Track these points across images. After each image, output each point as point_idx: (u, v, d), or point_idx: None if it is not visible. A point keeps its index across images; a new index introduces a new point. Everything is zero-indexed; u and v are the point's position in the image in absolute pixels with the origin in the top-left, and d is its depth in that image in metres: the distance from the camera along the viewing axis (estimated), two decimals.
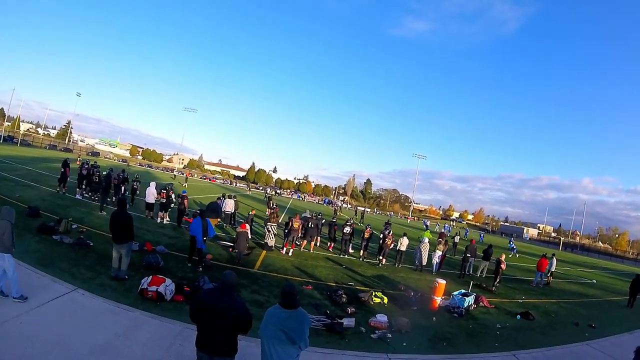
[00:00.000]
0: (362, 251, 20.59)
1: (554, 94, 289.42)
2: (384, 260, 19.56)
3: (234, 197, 25.02)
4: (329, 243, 21.61)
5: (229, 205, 22.32)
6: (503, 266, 18.50)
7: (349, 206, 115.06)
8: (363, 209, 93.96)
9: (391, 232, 20.98)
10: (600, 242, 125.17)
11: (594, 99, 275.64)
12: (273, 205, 26.26)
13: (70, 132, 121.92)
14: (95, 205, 19.51)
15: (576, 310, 16.59)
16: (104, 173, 21.65)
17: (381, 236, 20.15)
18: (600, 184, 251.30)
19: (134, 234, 10.52)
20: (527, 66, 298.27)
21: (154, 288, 8.79)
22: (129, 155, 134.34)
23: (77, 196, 20.62)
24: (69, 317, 6.82)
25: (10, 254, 7.15)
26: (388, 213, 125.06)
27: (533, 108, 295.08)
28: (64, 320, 6.66)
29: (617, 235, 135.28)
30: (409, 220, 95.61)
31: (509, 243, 42.87)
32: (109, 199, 19.98)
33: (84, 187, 21.84)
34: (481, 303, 14.27)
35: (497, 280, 18.27)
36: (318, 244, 20.93)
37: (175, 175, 78.54)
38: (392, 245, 19.77)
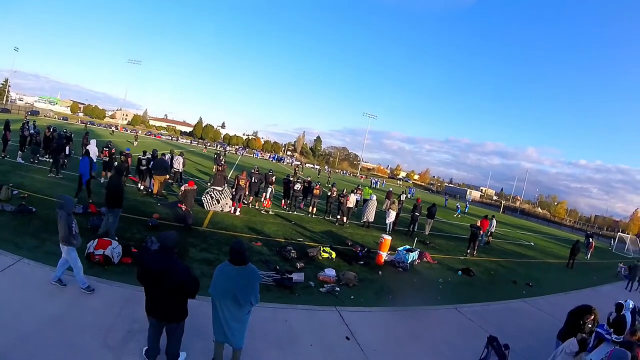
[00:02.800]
0: (310, 207, 21.02)
1: (506, 62, 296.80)
2: (346, 218, 19.97)
3: (182, 154, 24.61)
4: (282, 200, 21.94)
5: (178, 163, 22.04)
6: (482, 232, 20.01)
7: (299, 163, 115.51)
8: (319, 167, 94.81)
9: (345, 190, 21.54)
10: (539, 208, 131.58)
11: (546, 71, 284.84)
12: (222, 162, 25.98)
13: (8, 91, 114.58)
14: (36, 168, 18.77)
15: (514, 269, 17.69)
16: (56, 134, 20.95)
17: (335, 195, 20.55)
18: (543, 154, 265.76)
19: (122, 201, 10.85)
20: (482, 31, 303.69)
21: (100, 251, 8.65)
22: (69, 112, 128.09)
23: (19, 159, 19.69)
24: (16, 290, 6.65)
25: (70, 246, 6.83)
26: (337, 171, 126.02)
27: (485, 75, 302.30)
28: (11, 293, 6.50)
29: (556, 203, 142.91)
30: (362, 179, 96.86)
31: (457, 207, 44.54)
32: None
33: (25, 150, 20.89)
34: (425, 259, 14.91)
35: (473, 245, 18.70)
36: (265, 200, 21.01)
37: (113, 131, 76.17)
38: (348, 204, 20.04)
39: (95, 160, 18.01)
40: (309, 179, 23.19)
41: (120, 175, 11.45)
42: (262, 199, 20.51)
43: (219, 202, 16.93)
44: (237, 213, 17.17)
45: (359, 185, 28.59)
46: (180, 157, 22.78)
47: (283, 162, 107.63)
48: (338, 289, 9.95)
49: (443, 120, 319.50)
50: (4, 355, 5.04)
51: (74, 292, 6.95)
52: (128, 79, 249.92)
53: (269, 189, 20.34)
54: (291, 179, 22.11)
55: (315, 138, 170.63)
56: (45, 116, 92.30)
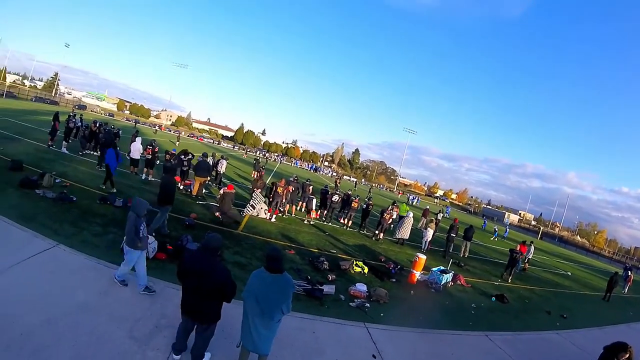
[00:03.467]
0: (346, 220, 20.74)
1: (548, 85, 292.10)
2: (382, 235, 19.61)
3: (226, 158, 24.98)
4: (320, 210, 21.61)
5: (221, 166, 22.73)
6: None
7: (335, 174, 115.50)
8: (356, 180, 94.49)
9: (390, 207, 21.06)
10: (578, 236, 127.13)
11: (589, 95, 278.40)
12: (261, 168, 26.17)
13: (57, 85, 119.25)
14: (80, 159, 19.33)
15: (549, 298, 16.95)
16: (103, 129, 21.62)
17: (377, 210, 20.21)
18: (584, 179, 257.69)
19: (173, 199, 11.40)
20: (527, 54, 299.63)
21: None
22: (116, 109, 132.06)
23: (63, 150, 20.30)
24: (49, 274, 6.76)
25: (137, 250, 6.88)
26: (374, 184, 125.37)
27: (527, 95, 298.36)
28: (44, 277, 6.61)
29: (595, 232, 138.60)
30: (399, 195, 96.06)
31: (494, 230, 43.56)
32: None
33: (70, 141, 21.57)
34: (458, 281, 14.50)
35: (511, 270, 18.56)
36: (302, 209, 21.08)
37: (156, 131, 77.99)
38: (391, 220, 19.78)
39: (139, 157, 18.57)
40: (349, 192, 23.03)
41: (173, 174, 11.98)
42: (298, 208, 20.38)
43: (254, 208, 16.91)
44: (273, 220, 17.14)
45: (394, 202, 28.11)
46: (224, 160, 23.41)
47: (320, 172, 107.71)
48: (368, 305, 9.73)
49: (483, 137, 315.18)
50: (31, 334, 5.10)
51: (106, 281, 7.02)
52: (174, 81, 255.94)
53: (313, 200, 20.14)
54: (329, 190, 21.94)
55: (354, 150, 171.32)
56: (92, 111, 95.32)
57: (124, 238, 6.98)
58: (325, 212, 21.16)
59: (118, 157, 15.23)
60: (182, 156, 18.96)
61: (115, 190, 14.32)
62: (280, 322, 5.11)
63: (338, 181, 44.46)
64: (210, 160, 21.61)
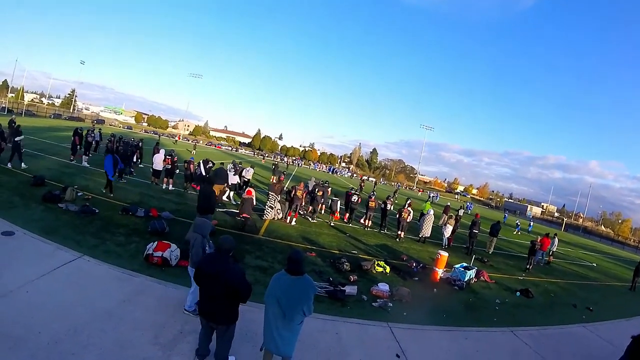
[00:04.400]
0: (366, 220, 20.64)
1: (566, 74, 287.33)
2: (403, 234, 19.52)
3: (253, 166, 25.26)
4: (345, 214, 21.41)
5: (248, 173, 23.15)
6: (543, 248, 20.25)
7: (355, 175, 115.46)
8: (374, 179, 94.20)
9: (407, 205, 20.82)
10: (602, 227, 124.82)
11: (608, 82, 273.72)
12: (281, 173, 26.21)
13: (75, 101, 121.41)
14: (101, 172, 19.58)
15: (575, 291, 16.69)
16: (124, 141, 22.04)
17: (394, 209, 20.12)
18: (607, 168, 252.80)
19: (212, 208, 11.58)
20: (542, 43, 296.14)
21: (159, 253, 8.87)
22: (134, 122, 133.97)
23: (84, 163, 20.66)
24: (74, 284, 6.89)
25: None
26: (394, 183, 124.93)
27: (545, 86, 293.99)
28: (69, 287, 6.73)
29: (620, 221, 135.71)
30: (420, 192, 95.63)
31: (517, 224, 43.11)
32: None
33: (90, 154, 21.94)
34: (482, 277, 14.37)
35: (531, 260, 19.09)
36: (322, 211, 21.08)
37: (176, 141, 78.83)
38: (409, 218, 19.79)
39: (160, 169, 18.89)
40: (373, 193, 22.99)
41: (212, 184, 12.26)
42: (321, 210, 20.39)
43: (272, 208, 16.94)
44: (293, 223, 17.19)
45: (408, 199, 27.72)
46: (251, 168, 23.88)
47: (338, 173, 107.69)
48: (391, 305, 9.69)
49: (502, 130, 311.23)
50: (57, 343, 5.19)
51: (129, 290, 7.11)
52: (190, 91, 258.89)
53: (338, 202, 20.05)
54: (354, 192, 21.86)
55: (371, 150, 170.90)
56: (110, 125, 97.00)
57: (189, 261, 6.98)
58: (347, 213, 21.13)
59: (118, 164, 15.82)
60: (204, 165, 19.27)
61: (112, 195, 14.96)
62: (302, 324, 5.12)
63: (362, 183, 44.11)
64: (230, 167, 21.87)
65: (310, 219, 19.24)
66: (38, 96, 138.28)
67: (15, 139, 16.42)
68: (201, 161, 21.03)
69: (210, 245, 6.87)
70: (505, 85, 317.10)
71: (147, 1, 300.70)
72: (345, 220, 20.33)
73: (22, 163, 16.55)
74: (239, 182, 21.72)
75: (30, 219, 10.08)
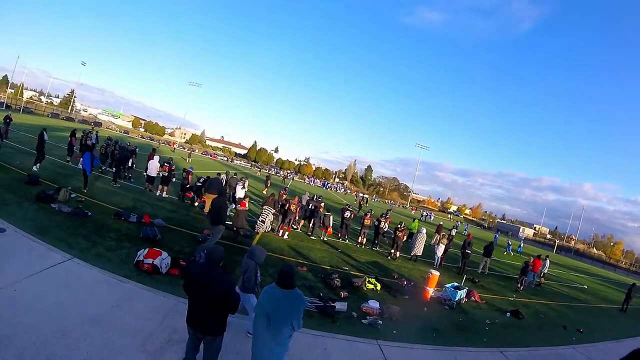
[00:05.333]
0: (360, 237, 20.58)
1: (563, 97, 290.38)
2: (397, 253, 19.41)
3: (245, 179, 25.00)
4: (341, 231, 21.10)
5: (245, 185, 22.69)
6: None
7: (349, 191, 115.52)
8: (367, 197, 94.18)
9: (403, 224, 20.58)
10: (594, 249, 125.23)
11: (603, 106, 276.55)
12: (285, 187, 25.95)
13: (74, 102, 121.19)
14: (96, 175, 19.59)
15: (565, 313, 16.70)
16: (120, 145, 22.00)
17: (388, 228, 20.14)
18: (600, 190, 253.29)
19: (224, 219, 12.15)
20: (537, 66, 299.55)
21: (149, 260, 8.82)
22: (131, 126, 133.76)
23: (80, 165, 20.58)
24: (63, 286, 6.84)
25: (250, 294, 6.91)
26: (387, 201, 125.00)
27: (540, 109, 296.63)
28: (58, 289, 6.68)
29: (612, 244, 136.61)
30: (413, 211, 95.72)
31: (507, 244, 43.27)
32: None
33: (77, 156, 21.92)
34: (472, 297, 14.35)
35: (522, 280, 19.25)
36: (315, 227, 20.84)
37: (175, 149, 78.68)
38: (405, 237, 19.78)
39: (155, 175, 18.93)
40: (370, 211, 22.90)
41: (223, 196, 12.86)
42: (311, 225, 20.26)
43: (264, 223, 16.86)
44: (285, 237, 17.12)
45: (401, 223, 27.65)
46: (245, 180, 23.70)
47: (332, 189, 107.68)
48: (381, 322, 9.64)
49: (496, 152, 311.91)
50: (44, 345, 5.15)
51: (118, 295, 7.06)
52: (188, 99, 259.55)
53: (331, 217, 19.61)
54: (347, 207, 21.63)
55: (366, 167, 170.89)
56: (107, 128, 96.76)
57: (242, 286, 6.95)
58: (341, 229, 21.01)
59: (94, 161, 16.29)
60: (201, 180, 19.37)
61: (86, 190, 15.33)
62: (291, 338, 5.09)
63: (361, 201, 42.72)
64: (224, 177, 21.79)
65: (311, 236, 19.16)
66: (37, 94, 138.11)
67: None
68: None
69: (259, 272, 7.03)
70: (501, 107, 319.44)
71: (152, 7, 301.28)
72: (329, 234, 20.15)
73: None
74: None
75: (22, 218, 10.06)
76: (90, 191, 15.41)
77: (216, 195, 17.70)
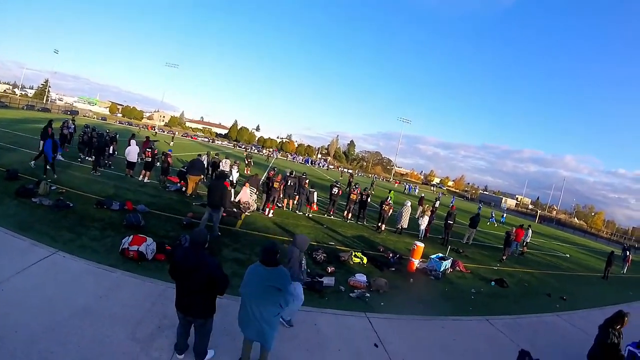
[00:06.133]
0: (345, 212, 20.80)
1: (545, 69, 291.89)
2: (384, 227, 19.66)
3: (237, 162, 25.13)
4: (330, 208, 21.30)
5: (227, 165, 22.93)
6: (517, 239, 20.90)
7: (331, 167, 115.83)
8: (352, 172, 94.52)
9: (389, 198, 20.88)
10: (576, 219, 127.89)
11: (586, 78, 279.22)
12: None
13: (48, 91, 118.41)
14: (76, 165, 19.34)
15: (549, 281, 17.12)
16: (97, 133, 21.64)
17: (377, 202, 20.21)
18: (582, 162, 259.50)
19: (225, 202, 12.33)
20: (522, 40, 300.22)
21: (135, 247, 8.79)
22: (108, 113, 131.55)
23: (58, 157, 20.24)
24: (50, 280, 6.79)
25: (297, 282, 6.88)
26: (371, 175, 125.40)
27: (523, 81, 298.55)
28: (45, 284, 6.63)
29: (593, 214, 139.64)
30: (396, 184, 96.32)
31: (491, 215, 43.95)
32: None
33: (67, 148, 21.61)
34: (457, 267, 14.61)
35: (506, 251, 19.54)
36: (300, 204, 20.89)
37: (156, 133, 77.71)
38: (391, 212, 20.00)
39: (134, 161, 18.83)
40: (368, 190, 23.12)
41: (223, 179, 12.66)
42: (296, 202, 20.30)
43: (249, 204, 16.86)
44: (270, 215, 17.16)
45: (390, 190, 27.87)
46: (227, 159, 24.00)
47: (315, 165, 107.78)
48: (368, 295, 9.81)
49: (479, 124, 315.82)
50: (35, 341, 5.14)
51: (106, 285, 7.05)
52: (166, 81, 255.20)
53: (315, 194, 19.89)
54: (335, 184, 21.79)
55: (349, 142, 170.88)
56: (84, 116, 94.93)
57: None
58: (330, 207, 21.16)
59: (57, 148, 16.36)
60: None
61: (56, 176, 15.32)
62: (280, 315, 5.16)
63: (350, 178, 42.76)
64: (205, 158, 21.71)
65: (298, 212, 19.42)
66: (10, 87, 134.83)
67: None
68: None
69: (305, 259, 7.06)
70: (484, 80, 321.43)
71: None
72: (315, 210, 20.28)
73: None
74: (213, 173, 21.78)
75: (3, 214, 9.87)
76: (70, 181, 15.16)
77: (199, 177, 17.80)
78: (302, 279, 6.86)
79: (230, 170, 21.32)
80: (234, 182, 21.01)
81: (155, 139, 36.18)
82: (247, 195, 15.98)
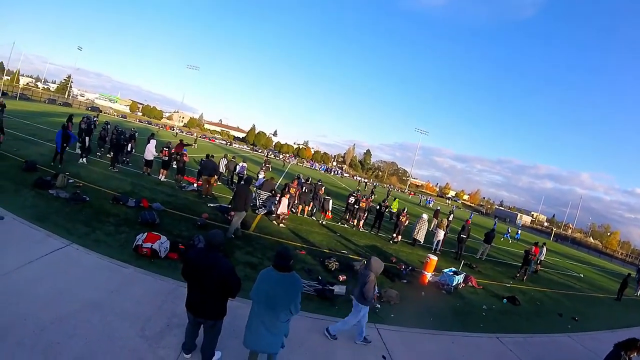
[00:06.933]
0: (357, 221, 20.67)
1: (563, 86, 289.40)
2: (399, 238, 19.58)
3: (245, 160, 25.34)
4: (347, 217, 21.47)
5: (242, 168, 23.12)
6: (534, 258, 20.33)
7: (346, 175, 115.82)
8: (368, 181, 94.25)
9: (405, 210, 20.81)
10: (591, 238, 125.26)
11: (603, 95, 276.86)
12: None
13: (70, 87, 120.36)
14: (94, 160, 19.55)
15: (561, 301, 16.78)
16: (117, 130, 21.99)
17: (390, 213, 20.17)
18: (598, 180, 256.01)
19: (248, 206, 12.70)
20: (538, 54, 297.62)
21: (148, 245, 8.82)
22: (128, 111, 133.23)
23: (77, 151, 20.50)
24: (62, 272, 6.84)
25: (366, 305, 7.05)
26: (386, 185, 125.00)
27: (541, 97, 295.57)
28: (57, 275, 6.67)
29: (608, 234, 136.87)
30: (411, 195, 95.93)
31: (507, 231, 43.49)
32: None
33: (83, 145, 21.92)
34: (470, 283, 14.42)
35: (524, 270, 19.26)
36: (314, 210, 20.87)
37: (177, 133, 78.52)
38: (407, 222, 19.91)
39: (151, 159, 19.09)
40: (385, 202, 23.05)
41: (249, 184, 13.32)
42: (311, 209, 20.30)
43: (265, 207, 16.89)
44: (281, 225, 17.05)
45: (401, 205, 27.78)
46: (244, 163, 23.85)
47: (332, 173, 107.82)
48: (379, 306, 9.72)
49: (496, 138, 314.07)
50: (43, 330, 5.17)
51: (117, 281, 7.08)
52: (186, 83, 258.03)
53: (330, 201, 19.70)
54: (353, 194, 21.84)
55: (365, 151, 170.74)
56: (105, 113, 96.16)
57: (355, 293, 7.23)
58: (348, 216, 21.27)
59: (69, 139, 16.91)
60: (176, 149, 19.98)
61: (61, 166, 15.73)
62: (289, 322, 5.10)
63: (373, 189, 42.57)
64: (223, 161, 21.97)
65: (312, 217, 19.48)
66: (33, 80, 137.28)
67: None
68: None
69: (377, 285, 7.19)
70: (501, 94, 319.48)
71: None
72: (329, 217, 20.21)
73: None
74: (235, 177, 22.26)
75: (21, 205, 9.99)
76: (88, 176, 15.34)
77: (213, 177, 17.95)
78: (374, 304, 6.81)
79: (257, 173, 21.57)
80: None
81: (188, 142, 36.65)
82: (285, 207, 16.14)
